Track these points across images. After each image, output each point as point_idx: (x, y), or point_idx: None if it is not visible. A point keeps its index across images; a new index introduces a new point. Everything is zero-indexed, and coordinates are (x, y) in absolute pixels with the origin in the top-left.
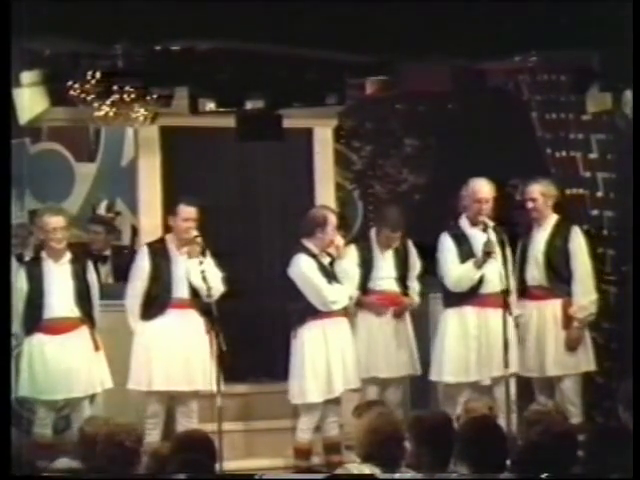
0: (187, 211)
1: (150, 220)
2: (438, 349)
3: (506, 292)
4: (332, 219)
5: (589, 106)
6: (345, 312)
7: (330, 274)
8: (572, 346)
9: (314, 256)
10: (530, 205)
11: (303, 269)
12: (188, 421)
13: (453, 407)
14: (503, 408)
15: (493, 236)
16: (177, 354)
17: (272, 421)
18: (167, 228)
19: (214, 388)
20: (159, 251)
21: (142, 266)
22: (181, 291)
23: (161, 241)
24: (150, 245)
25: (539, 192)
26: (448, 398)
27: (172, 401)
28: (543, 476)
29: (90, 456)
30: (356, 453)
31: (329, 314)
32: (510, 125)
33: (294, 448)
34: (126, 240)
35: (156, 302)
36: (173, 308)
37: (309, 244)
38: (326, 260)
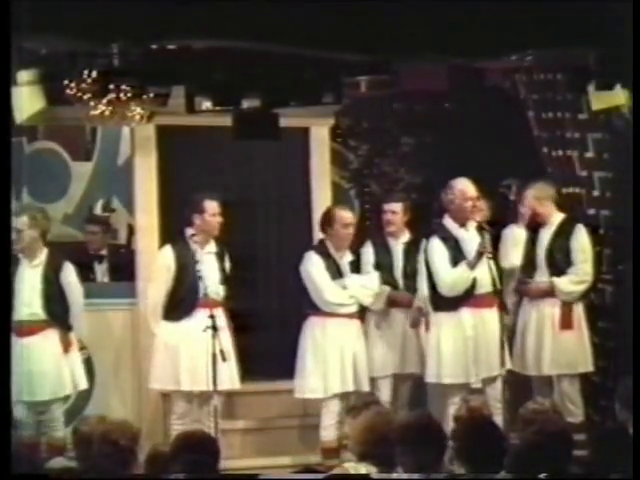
0: (213, 206)
1: (146, 219)
2: (434, 352)
3: (501, 291)
4: (341, 217)
5: (585, 105)
6: (355, 314)
7: (344, 274)
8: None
9: (327, 255)
10: (529, 212)
11: (308, 267)
12: (211, 421)
13: (447, 407)
14: (499, 407)
15: (487, 235)
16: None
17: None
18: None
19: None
20: (184, 250)
21: (168, 266)
22: (210, 289)
23: (183, 239)
24: (174, 244)
25: (533, 197)
26: (442, 398)
27: (197, 401)
28: (541, 476)
29: (84, 455)
30: (353, 452)
31: (333, 314)
32: (507, 124)
33: (321, 448)
34: (122, 239)
35: (184, 302)
36: (202, 308)
37: (326, 242)
38: (346, 259)
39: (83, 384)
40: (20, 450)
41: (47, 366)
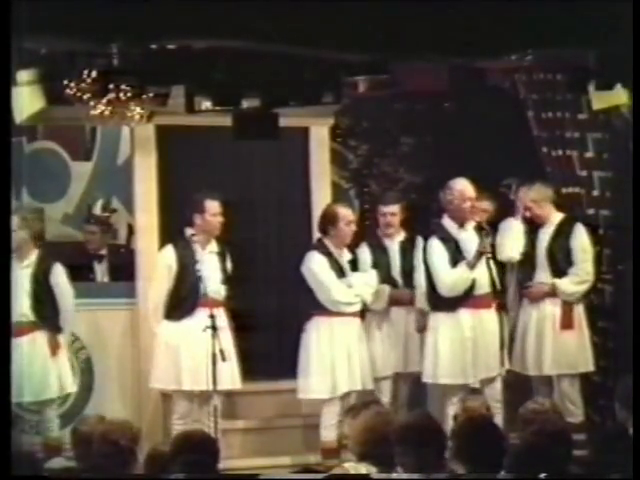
0: (214, 206)
1: (146, 219)
2: (431, 352)
3: (499, 291)
4: (344, 215)
5: (585, 105)
6: (357, 313)
7: (346, 273)
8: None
9: (329, 254)
10: (527, 214)
11: (313, 267)
12: (211, 420)
13: (446, 407)
14: (498, 407)
15: (487, 235)
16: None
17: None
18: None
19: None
20: (185, 250)
21: (169, 266)
22: (211, 289)
23: (184, 239)
24: (175, 244)
25: (530, 199)
26: (441, 398)
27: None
28: (542, 476)
29: (83, 455)
30: (352, 452)
31: (339, 313)
32: (506, 124)
33: (321, 448)
34: (122, 239)
35: (185, 302)
36: (203, 307)
37: (326, 241)
38: (345, 257)
39: (70, 387)
40: (19, 451)
41: (33, 368)
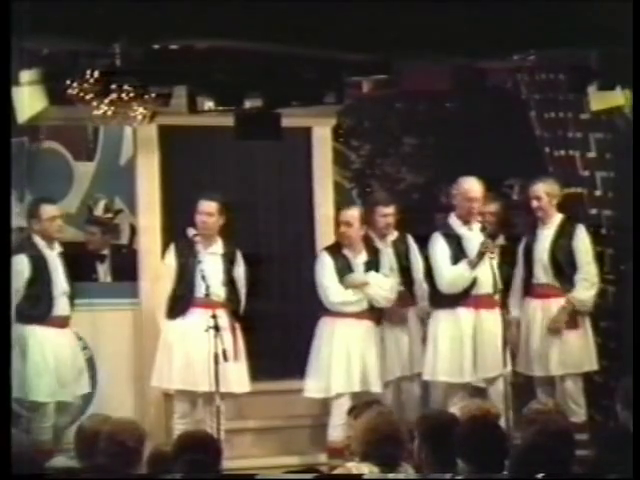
0: (206, 205)
1: (149, 219)
2: (431, 350)
3: (501, 292)
4: (341, 216)
5: (587, 105)
6: (365, 315)
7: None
8: (556, 328)
9: (341, 256)
10: (535, 204)
11: (317, 267)
12: (214, 421)
13: (449, 407)
14: (501, 407)
15: (488, 236)
16: (201, 354)
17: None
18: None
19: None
20: (184, 249)
21: (169, 264)
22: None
23: (187, 238)
24: (177, 243)
25: (544, 191)
26: (444, 398)
27: (200, 401)
28: (539, 476)
29: (86, 455)
30: (355, 452)
31: (342, 314)
32: (509, 124)
33: (328, 448)
34: (125, 239)
35: (181, 301)
36: (198, 307)
37: (340, 242)
38: (361, 259)
39: None
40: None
41: None
